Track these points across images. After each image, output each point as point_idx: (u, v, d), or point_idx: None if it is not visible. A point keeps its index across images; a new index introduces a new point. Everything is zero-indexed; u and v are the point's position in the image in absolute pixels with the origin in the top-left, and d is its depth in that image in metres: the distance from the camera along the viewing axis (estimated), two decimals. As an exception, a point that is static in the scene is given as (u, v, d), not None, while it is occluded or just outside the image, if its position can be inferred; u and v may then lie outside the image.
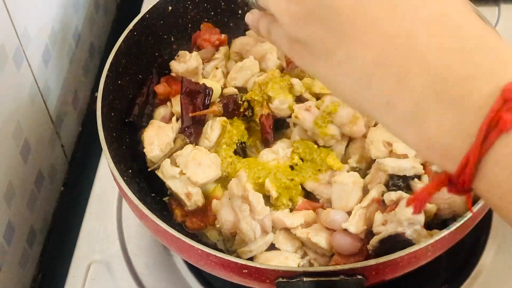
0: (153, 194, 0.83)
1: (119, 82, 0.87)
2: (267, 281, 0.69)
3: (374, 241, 0.74)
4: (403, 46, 0.42)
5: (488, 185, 0.40)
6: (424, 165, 0.80)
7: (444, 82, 0.41)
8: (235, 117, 0.88)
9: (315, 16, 0.45)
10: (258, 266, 0.69)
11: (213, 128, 0.85)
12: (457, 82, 0.40)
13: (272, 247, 0.78)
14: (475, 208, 0.70)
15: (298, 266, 0.76)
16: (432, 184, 0.45)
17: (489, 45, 0.42)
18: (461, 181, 0.41)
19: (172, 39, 0.96)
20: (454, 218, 0.75)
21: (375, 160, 0.80)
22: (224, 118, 0.86)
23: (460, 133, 0.40)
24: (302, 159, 0.84)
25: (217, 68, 0.94)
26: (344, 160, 0.85)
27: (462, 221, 0.69)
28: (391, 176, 0.78)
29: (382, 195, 0.77)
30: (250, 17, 0.58)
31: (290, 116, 0.87)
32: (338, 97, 0.49)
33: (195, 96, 0.87)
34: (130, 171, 0.81)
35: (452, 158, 0.41)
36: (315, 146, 0.84)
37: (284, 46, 0.51)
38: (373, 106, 0.44)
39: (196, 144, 0.85)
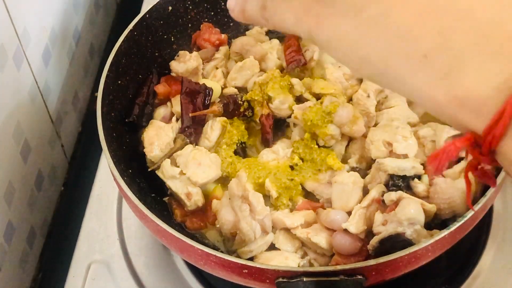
0: (153, 194, 0.83)
1: (119, 82, 0.87)
2: (267, 281, 0.69)
3: (374, 241, 0.74)
4: (448, 3, 0.42)
5: None
6: (424, 165, 0.80)
7: (488, 35, 0.40)
8: (235, 117, 0.88)
9: None
10: (258, 266, 0.69)
11: (213, 128, 0.85)
12: (502, 35, 0.40)
13: (272, 247, 0.78)
14: (476, 207, 0.70)
15: (298, 266, 0.76)
16: (457, 139, 0.43)
17: None
18: (490, 137, 0.40)
19: (172, 39, 0.96)
20: (454, 218, 0.75)
21: (375, 160, 0.80)
22: (224, 118, 0.86)
23: (499, 85, 0.40)
24: (302, 159, 0.84)
25: (217, 68, 0.94)
26: (344, 160, 0.85)
27: (462, 221, 0.69)
28: (391, 176, 0.78)
29: (382, 195, 0.77)
30: (233, 0, 0.52)
31: (290, 116, 0.87)
32: (355, 60, 0.46)
33: (195, 96, 0.87)
34: (130, 171, 0.81)
35: (485, 113, 0.40)
36: (315, 146, 0.84)
37: (289, 15, 0.48)
38: (405, 62, 0.43)
39: (196, 144, 0.85)
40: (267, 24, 0.51)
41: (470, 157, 0.44)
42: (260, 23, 0.52)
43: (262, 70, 0.92)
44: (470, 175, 0.46)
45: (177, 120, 0.88)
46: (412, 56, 0.42)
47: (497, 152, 0.41)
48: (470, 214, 0.70)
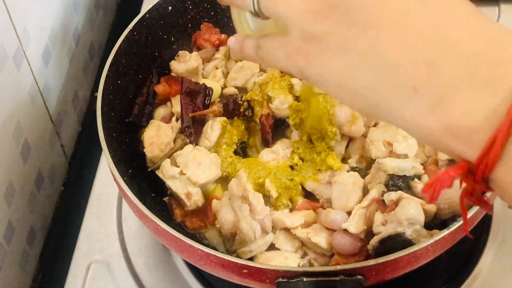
0: (153, 194, 0.83)
1: (119, 82, 0.87)
2: (267, 281, 0.69)
3: (374, 241, 0.74)
4: (434, 35, 0.43)
5: (510, 171, 0.40)
6: (424, 165, 0.80)
7: (475, 67, 0.41)
8: (235, 117, 0.88)
9: (336, 9, 0.45)
10: (258, 266, 0.69)
11: (213, 128, 0.85)
12: (489, 67, 0.41)
13: (272, 247, 0.78)
14: (470, 213, 0.70)
15: (298, 266, 0.76)
16: (451, 169, 0.44)
17: None
18: (483, 166, 0.41)
19: (172, 39, 0.96)
20: (454, 218, 0.75)
21: (375, 160, 0.80)
22: (224, 118, 0.86)
23: (489, 115, 0.40)
24: (302, 159, 0.84)
25: (217, 68, 0.94)
26: (344, 160, 0.85)
27: (462, 221, 0.69)
28: (391, 176, 0.78)
29: (382, 195, 0.77)
30: (232, 40, 0.56)
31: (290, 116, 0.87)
32: (347, 97, 0.47)
33: (195, 96, 0.87)
34: (130, 171, 0.81)
35: (476, 142, 0.41)
36: (316, 144, 0.84)
37: (281, 56, 0.49)
38: (395, 95, 0.44)
39: (196, 144, 0.85)
40: (263, 63, 0.54)
41: (464, 184, 0.44)
42: (256, 61, 0.55)
43: (262, 70, 0.92)
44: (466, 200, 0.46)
45: (177, 120, 0.88)
46: (402, 89, 0.43)
47: (491, 180, 0.42)
48: (470, 214, 0.70)
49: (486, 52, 0.42)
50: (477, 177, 0.42)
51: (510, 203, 0.42)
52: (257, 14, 0.51)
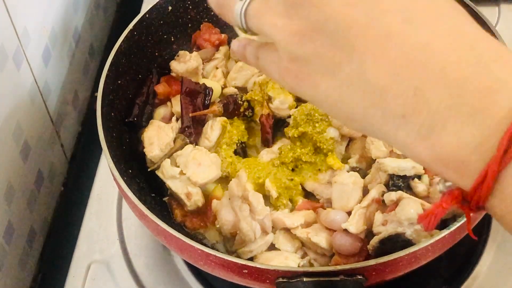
0: (153, 194, 0.83)
1: (119, 82, 0.87)
2: (267, 281, 0.69)
3: (374, 241, 0.74)
4: (420, 58, 0.41)
5: (505, 201, 0.40)
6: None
7: (463, 95, 0.40)
8: (235, 117, 0.88)
9: (320, 32, 0.43)
10: (258, 266, 0.69)
11: (213, 128, 0.85)
12: (476, 95, 0.40)
13: (272, 247, 0.78)
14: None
15: (298, 266, 0.76)
16: (444, 199, 0.44)
17: (506, 58, 0.41)
18: (476, 197, 0.40)
19: (172, 39, 0.96)
20: (454, 218, 0.75)
21: (375, 160, 0.80)
22: (224, 118, 0.86)
23: (479, 147, 0.39)
24: (302, 159, 0.84)
25: (217, 68, 0.94)
26: (344, 160, 0.85)
27: (462, 221, 0.69)
28: (391, 176, 0.78)
29: (382, 195, 0.77)
30: (236, 44, 0.54)
31: (290, 116, 0.87)
32: (340, 118, 0.46)
33: (195, 96, 0.87)
34: (130, 171, 0.81)
35: (468, 174, 0.40)
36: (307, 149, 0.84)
37: (274, 71, 0.49)
38: (385, 121, 0.43)
39: (196, 144, 0.85)
40: (262, 72, 0.52)
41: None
42: (257, 69, 0.53)
43: (262, 70, 0.92)
44: None
45: (177, 120, 0.88)
46: (390, 115, 0.42)
47: (486, 208, 0.41)
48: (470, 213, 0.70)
49: (472, 80, 0.40)
50: (472, 205, 0.42)
51: (507, 230, 0.42)
52: (245, 30, 0.50)
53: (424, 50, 0.41)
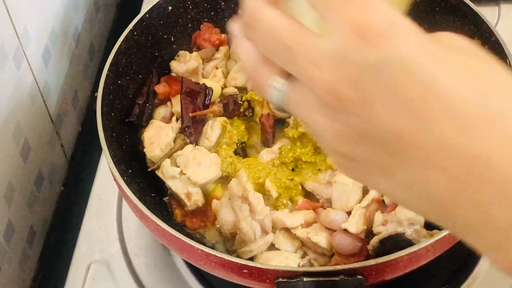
0: (153, 194, 0.83)
1: (119, 82, 0.87)
2: (267, 281, 0.69)
3: (374, 241, 0.74)
4: (482, 171, 0.37)
5: None
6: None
7: None
8: (235, 117, 0.88)
9: (367, 138, 0.40)
10: (258, 266, 0.69)
11: (213, 128, 0.85)
12: None
13: (272, 247, 0.78)
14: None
15: (298, 266, 0.76)
16: None
17: None
18: None
19: (172, 39, 0.96)
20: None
21: (375, 160, 0.80)
22: (224, 118, 0.86)
23: None
24: (302, 159, 0.84)
25: (217, 68, 0.94)
26: (344, 160, 0.85)
27: (462, 221, 0.69)
28: (391, 176, 0.78)
29: (382, 195, 0.77)
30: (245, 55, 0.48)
31: (290, 116, 0.87)
32: (407, 207, 0.43)
33: (195, 96, 0.87)
34: (130, 171, 0.81)
35: None
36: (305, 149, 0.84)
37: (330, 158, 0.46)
38: (449, 227, 0.42)
39: (196, 144, 0.85)
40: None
41: None
42: (299, 117, 0.47)
43: (262, 70, 0.92)
44: None
45: (177, 120, 0.88)
46: (457, 227, 0.41)
47: None
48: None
49: None
50: None
51: None
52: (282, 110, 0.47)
53: (486, 162, 0.37)
